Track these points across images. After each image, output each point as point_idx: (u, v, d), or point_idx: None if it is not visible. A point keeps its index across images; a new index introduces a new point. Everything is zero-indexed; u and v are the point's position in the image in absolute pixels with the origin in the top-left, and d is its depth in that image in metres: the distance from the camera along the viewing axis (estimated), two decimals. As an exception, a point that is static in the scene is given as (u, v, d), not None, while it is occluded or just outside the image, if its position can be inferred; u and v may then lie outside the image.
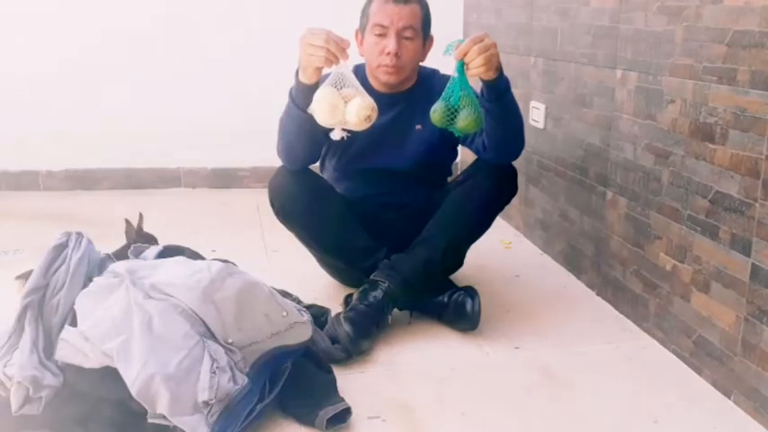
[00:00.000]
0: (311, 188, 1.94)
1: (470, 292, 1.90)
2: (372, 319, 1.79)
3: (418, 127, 1.97)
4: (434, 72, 2.05)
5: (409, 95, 2.00)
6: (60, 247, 1.54)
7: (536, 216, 2.58)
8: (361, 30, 1.96)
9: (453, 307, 1.89)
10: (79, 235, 1.59)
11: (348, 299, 1.90)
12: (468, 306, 1.86)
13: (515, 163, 1.98)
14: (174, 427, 1.33)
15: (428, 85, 1.97)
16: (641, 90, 1.85)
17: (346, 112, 1.60)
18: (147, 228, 1.99)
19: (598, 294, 2.15)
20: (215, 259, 1.75)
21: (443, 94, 1.68)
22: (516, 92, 2.70)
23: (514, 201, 2.75)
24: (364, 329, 1.75)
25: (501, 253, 2.54)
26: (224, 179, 3.36)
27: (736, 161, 1.51)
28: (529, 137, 2.59)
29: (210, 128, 3.27)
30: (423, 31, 1.95)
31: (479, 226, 1.96)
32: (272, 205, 1.97)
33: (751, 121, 1.46)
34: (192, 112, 3.25)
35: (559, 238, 2.40)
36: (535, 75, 2.52)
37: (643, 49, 1.84)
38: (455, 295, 1.90)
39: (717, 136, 1.57)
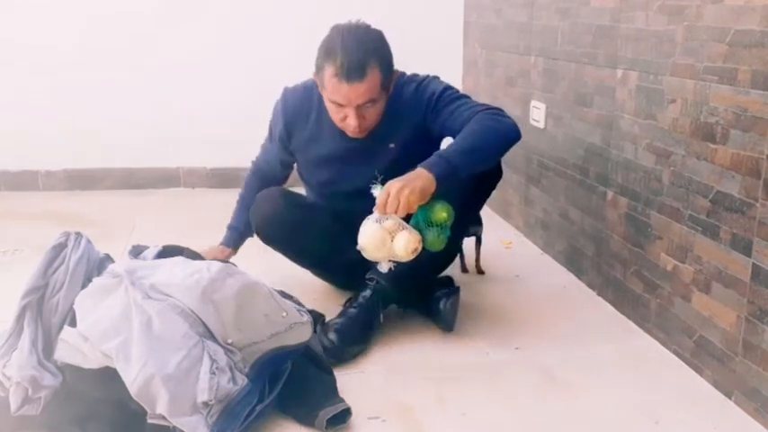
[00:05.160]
0: (295, 212, 1.93)
1: (449, 291, 1.89)
2: (362, 323, 1.79)
3: (391, 146, 1.89)
4: (407, 83, 1.90)
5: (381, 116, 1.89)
6: (59, 248, 1.54)
7: (536, 216, 2.58)
8: (318, 79, 1.80)
9: (433, 306, 1.89)
10: (78, 235, 1.58)
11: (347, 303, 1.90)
12: (441, 305, 1.86)
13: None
14: (174, 427, 1.33)
15: (400, 100, 1.86)
16: (642, 90, 1.85)
17: (394, 246, 1.62)
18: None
19: (599, 294, 2.14)
20: (215, 259, 1.75)
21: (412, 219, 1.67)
22: (516, 91, 2.71)
23: (514, 201, 2.76)
24: (351, 336, 1.76)
25: (501, 253, 2.53)
26: (224, 179, 3.35)
27: (736, 161, 1.51)
28: (529, 137, 2.59)
29: (210, 128, 3.27)
30: (384, 89, 1.80)
31: (466, 216, 1.92)
32: (259, 235, 1.98)
33: (752, 120, 1.45)
34: (192, 111, 3.25)
35: (560, 238, 2.39)
36: (535, 74, 2.52)
37: (643, 49, 1.83)
38: (436, 294, 1.90)
39: (718, 136, 1.56)
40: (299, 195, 2.04)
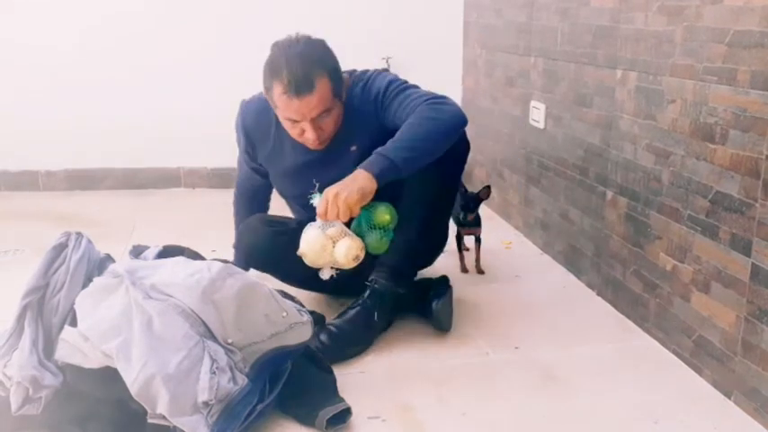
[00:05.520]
0: (278, 239, 1.89)
1: (440, 291, 1.89)
2: (361, 324, 1.79)
3: (353, 148, 1.84)
4: (355, 83, 1.85)
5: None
6: (60, 248, 1.54)
7: (536, 216, 2.58)
8: (269, 98, 1.79)
9: (427, 309, 1.89)
10: (79, 235, 1.59)
11: None
12: (434, 306, 1.87)
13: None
14: (174, 427, 1.33)
15: (352, 102, 1.83)
16: (641, 90, 1.85)
17: (335, 252, 1.61)
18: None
19: (598, 294, 2.15)
20: (215, 259, 1.75)
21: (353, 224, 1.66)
22: (516, 92, 2.71)
23: (514, 201, 2.76)
24: (346, 338, 1.75)
25: (501, 253, 2.53)
26: (224, 179, 3.35)
27: (736, 161, 1.51)
28: (529, 137, 2.60)
29: (211, 128, 3.26)
30: (336, 96, 1.77)
31: (446, 194, 1.91)
32: (248, 266, 1.97)
33: (751, 121, 1.46)
34: (193, 111, 3.25)
35: (559, 238, 2.40)
36: (535, 75, 2.52)
37: (643, 49, 1.83)
38: (428, 295, 1.91)
39: (717, 136, 1.56)
40: (281, 220, 2.00)
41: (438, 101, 1.73)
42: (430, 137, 1.68)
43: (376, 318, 1.82)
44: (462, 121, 1.74)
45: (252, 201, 2.10)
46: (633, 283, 1.94)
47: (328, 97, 1.73)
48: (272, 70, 1.72)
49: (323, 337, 1.74)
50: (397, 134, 1.67)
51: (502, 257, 2.48)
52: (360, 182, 1.59)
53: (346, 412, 1.47)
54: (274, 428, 1.47)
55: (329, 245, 1.61)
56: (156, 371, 1.32)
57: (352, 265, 1.63)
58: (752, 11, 1.44)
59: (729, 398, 1.58)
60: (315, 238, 1.61)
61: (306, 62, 1.69)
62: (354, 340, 1.78)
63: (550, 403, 1.57)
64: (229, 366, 1.40)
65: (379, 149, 1.64)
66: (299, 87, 1.67)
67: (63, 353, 1.42)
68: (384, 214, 1.65)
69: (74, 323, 1.44)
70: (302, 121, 1.74)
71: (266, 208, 2.18)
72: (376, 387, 1.63)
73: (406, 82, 1.83)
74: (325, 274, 1.65)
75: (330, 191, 1.59)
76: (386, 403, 1.56)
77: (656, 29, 1.77)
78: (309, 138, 1.76)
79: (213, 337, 1.42)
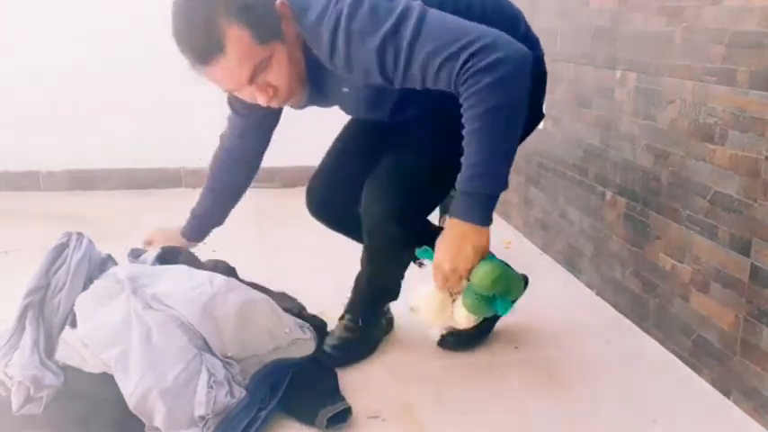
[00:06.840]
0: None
1: (461, 337, 1.81)
2: (353, 340, 1.76)
3: (345, 90, 1.49)
4: (312, 22, 1.34)
5: (314, 75, 1.47)
6: (61, 248, 1.55)
7: (536, 216, 2.59)
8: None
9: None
10: (80, 235, 1.59)
11: None
12: (444, 340, 1.82)
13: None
14: (172, 436, 1.33)
15: (315, 51, 1.38)
16: (641, 90, 1.86)
17: (454, 312, 1.45)
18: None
19: (597, 294, 2.15)
20: (219, 261, 1.76)
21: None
22: (516, 92, 2.70)
23: (514, 201, 2.76)
24: (340, 359, 1.71)
25: (501, 253, 2.52)
26: (224, 179, 3.36)
27: (735, 161, 1.51)
28: (529, 138, 2.59)
29: (211, 128, 3.26)
30: (264, 40, 1.32)
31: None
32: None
33: (750, 121, 1.46)
34: (193, 111, 3.24)
35: (559, 238, 2.40)
36: (535, 75, 2.52)
37: (642, 50, 1.84)
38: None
39: (716, 136, 1.57)
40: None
41: (485, 63, 1.24)
42: (508, 129, 1.31)
43: (360, 323, 1.78)
44: (523, 61, 1.28)
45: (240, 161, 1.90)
46: (632, 283, 1.95)
47: (250, 49, 1.32)
48: (175, 42, 1.38)
49: (326, 349, 1.71)
50: (469, 152, 1.30)
51: (502, 257, 2.47)
52: (471, 240, 1.35)
53: (346, 412, 1.48)
54: (275, 428, 1.47)
55: (449, 304, 1.44)
56: (153, 384, 1.32)
57: (472, 324, 1.47)
58: (751, 11, 1.45)
59: (728, 397, 1.58)
60: (433, 295, 1.43)
61: (200, 18, 1.30)
62: (348, 359, 1.74)
63: (550, 403, 1.58)
64: (227, 380, 1.39)
65: (465, 187, 1.32)
66: (204, 55, 1.33)
67: (63, 354, 1.43)
68: (484, 279, 1.40)
69: (74, 324, 1.45)
70: (239, 90, 1.40)
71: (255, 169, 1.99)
72: (376, 387, 1.63)
73: (394, 24, 1.28)
74: (435, 333, 1.62)
75: (444, 264, 1.36)
76: (386, 403, 1.56)
77: (656, 29, 1.77)
78: (263, 103, 1.41)
79: (211, 351, 1.42)
